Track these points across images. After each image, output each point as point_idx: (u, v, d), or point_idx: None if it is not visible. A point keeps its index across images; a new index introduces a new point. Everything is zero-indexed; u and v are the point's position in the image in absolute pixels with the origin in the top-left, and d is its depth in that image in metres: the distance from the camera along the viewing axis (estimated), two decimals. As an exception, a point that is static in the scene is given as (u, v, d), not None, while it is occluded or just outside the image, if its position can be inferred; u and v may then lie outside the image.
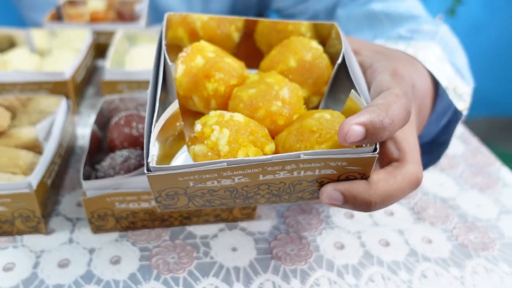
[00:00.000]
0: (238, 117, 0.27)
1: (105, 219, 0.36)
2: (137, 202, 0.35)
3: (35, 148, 0.42)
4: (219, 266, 0.34)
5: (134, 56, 0.58)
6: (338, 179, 0.26)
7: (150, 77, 0.29)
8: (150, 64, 0.56)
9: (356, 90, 0.27)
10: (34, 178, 0.34)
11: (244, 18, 0.35)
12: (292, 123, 0.28)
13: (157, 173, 0.23)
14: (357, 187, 0.26)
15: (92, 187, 0.34)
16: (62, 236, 0.36)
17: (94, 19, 0.73)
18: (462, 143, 0.52)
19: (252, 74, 0.32)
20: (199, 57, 0.31)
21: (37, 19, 0.84)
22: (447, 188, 0.44)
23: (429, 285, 0.34)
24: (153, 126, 0.25)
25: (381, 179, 0.27)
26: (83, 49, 0.57)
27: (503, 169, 0.48)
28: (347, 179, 0.26)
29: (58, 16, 0.70)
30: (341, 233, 0.38)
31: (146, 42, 0.63)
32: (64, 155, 0.42)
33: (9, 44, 0.60)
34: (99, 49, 0.65)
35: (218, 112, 0.27)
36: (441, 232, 0.39)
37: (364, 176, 0.26)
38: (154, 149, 0.25)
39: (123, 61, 0.58)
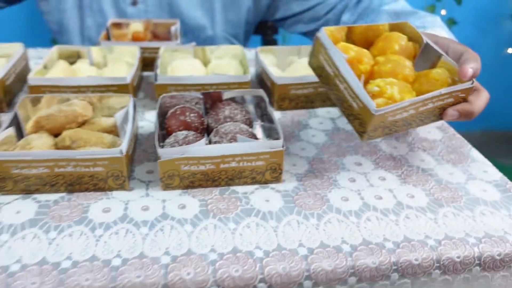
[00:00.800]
0: (393, 80, 0.48)
1: (172, 178, 0.49)
2: (196, 165, 0.48)
3: (113, 132, 0.55)
4: (257, 211, 0.47)
5: (175, 66, 0.72)
6: (452, 104, 0.50)
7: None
8: (188, 72, 0.69)
9: (444, 55, 0.51)
10: (123, 147, 0.47)
11: (346, 26, 0.56)
12: (417, 79, 0.50)
13: (379, 112, 0.44)
14: (465, 105, 0.50)
15: (165, 153, 0.47)
16: (140, 191, 0.49)
17: (135, 38, 0.87)
18: (441, 131, 0.65)
19: (378, 57, 0.52)
20: (351, 51, 0.50)
21: (67, 42, 0.99)
22: (427, 162, 0.57)
23: (410, 223, 0.46)
24: (358, 86, 0.46)
25: (474, 99, 0.49)
26: (136, 61, 0.71)
27: (473, 150, 0.61)
28: (457, 103, 0.50)
29: (108, 37, 0.84)
30: (345, 191, 0.51)
31: (182, 56, 0.77)
32: (133, 138, 0.55)
33: (76, 57, 0.74)
34: (143, 62, 0.79)
35: (379, 79, 0.48)
36: (421, 191, 0.52)
37: (464, 100, 0.50)
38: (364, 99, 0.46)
39: (166, 70, 0.72)
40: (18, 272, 0.38)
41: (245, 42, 1.07)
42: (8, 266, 0.39)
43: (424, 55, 0.54)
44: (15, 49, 0.72)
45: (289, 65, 0.76)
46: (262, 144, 0.49)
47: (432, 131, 0.65)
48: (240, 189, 0.50)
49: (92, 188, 0.48)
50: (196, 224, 0.45)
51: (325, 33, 0.50)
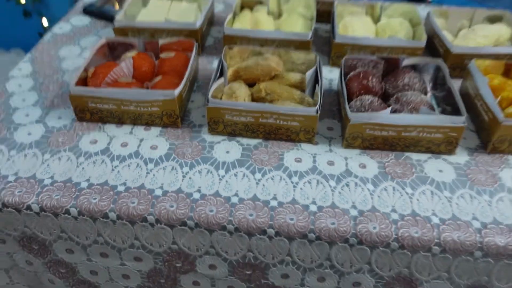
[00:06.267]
0: None
1: (355, 139, 0.56)
2: (380, 130, 0.54)
3: (299, 87, 0.63)
4: (432, 180, 0.53)
5: (348, 22, 0.79)
6: None
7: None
8: (361, 31, 0.76)
9: None
10: (318, 108, 0.55)
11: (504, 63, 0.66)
12: None
13: (506, 122, 0.52)
14: None
15: (355, 117, 0.54)
16: (324, 147, 0.58)
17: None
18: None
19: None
20: (496, 79, 0.59)
21: None
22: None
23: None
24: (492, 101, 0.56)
25: None
26: (313, 19, 0.79)
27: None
28: None
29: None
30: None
31: (353, 11, 0.82)
32: (322, 97, 0.58)
33: (255, 3, 0.86)
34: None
35: None
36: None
37: None
38: None
39: (339, 26, 0.76)
40: (237, 204, 0.48)
41: None
42: (229, 197, 0.48)
43: None
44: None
45: (459, 29, 0.79)
46: (444, 118, 0.54)
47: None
48: (414, 156, 0.56)
49: (285, 138, 0.58)
50: (376, 184, 0.52)
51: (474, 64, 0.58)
